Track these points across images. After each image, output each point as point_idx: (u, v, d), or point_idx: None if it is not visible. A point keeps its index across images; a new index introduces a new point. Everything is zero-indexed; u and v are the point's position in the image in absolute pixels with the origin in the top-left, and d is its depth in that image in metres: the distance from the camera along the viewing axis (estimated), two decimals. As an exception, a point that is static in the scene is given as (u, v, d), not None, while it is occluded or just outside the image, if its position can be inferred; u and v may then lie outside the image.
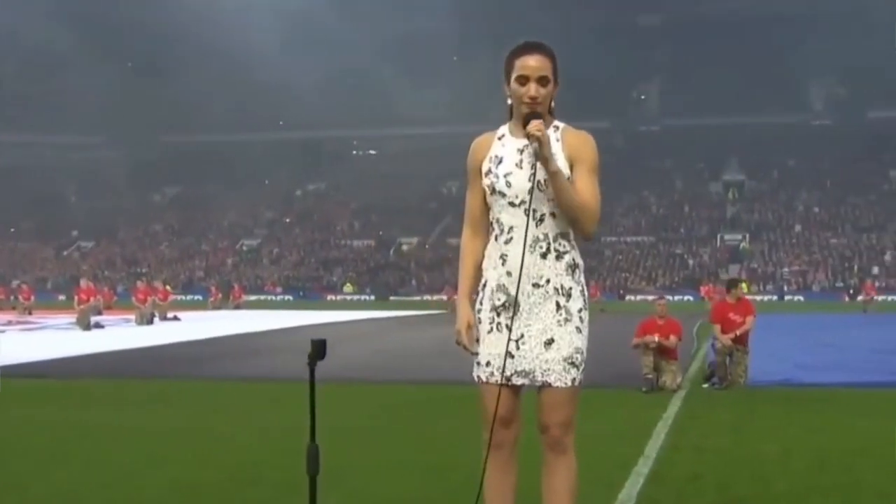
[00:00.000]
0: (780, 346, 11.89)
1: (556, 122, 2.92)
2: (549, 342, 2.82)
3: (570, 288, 2.86)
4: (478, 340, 2.91)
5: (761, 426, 6.66)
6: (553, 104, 2.91)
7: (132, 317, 23.21)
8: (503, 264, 2.88)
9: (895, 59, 57.85)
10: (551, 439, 2.86)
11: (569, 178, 2.83)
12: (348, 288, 52.61)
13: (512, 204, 2.87)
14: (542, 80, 2.84)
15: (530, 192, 2.82)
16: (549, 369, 2.82)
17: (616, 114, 63.95)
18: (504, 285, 2.87)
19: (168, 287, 29.37)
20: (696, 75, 64.98)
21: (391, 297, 49.14)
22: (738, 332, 9.18)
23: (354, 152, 72.68)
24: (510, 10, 66.56)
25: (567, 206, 2.80)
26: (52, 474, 5.06)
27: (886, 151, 58.72)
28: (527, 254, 2.83)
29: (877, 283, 39.22)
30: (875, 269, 47.53)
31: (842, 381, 9.23)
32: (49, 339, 17.29)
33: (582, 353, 2.87)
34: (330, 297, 50.06)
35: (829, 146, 59.94)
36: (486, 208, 2.98)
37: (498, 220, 2.92)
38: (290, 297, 50.36)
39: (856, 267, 48.80)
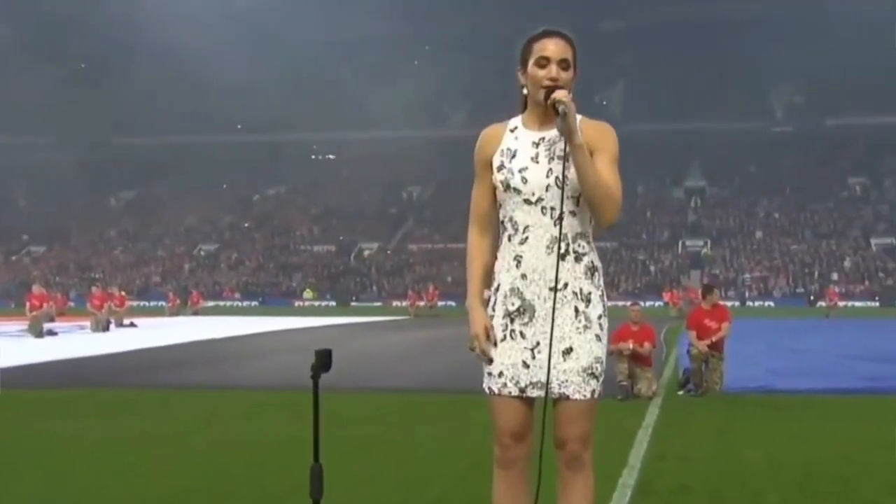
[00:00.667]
0: (751, 352, 11.88)
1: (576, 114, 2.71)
2: (568, 351, 2.64)
3: (590, 293, 2.69)
4: (495, 344, 2.72)
5: (744, 434, 6.59)
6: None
7: (87, 323, 22.63)
8: (517, 266, 2.69)
9: (853, 66, 59.32)
10: (569, 455, 2.68)
11: None
12: (308, 294, 52.24)
13: (528, 201, 2.68)
14: (563, 64, 2.68)
15: (547, 188, 2.64)
16: (567, 380, 2.64)
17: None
18: (518, 289, 2.68)
19: (123, 293, 28.75)
20: (658, 81, 65.56)
21: (352, 303, 48.93)
22: (713, 339, 9.13)
23: (314, 156, 72.11)
24: (470, 14, 66.77)
25: (591, 186, 2.59)
26: (12, 488, 4.79)
27: (845, 158, 59.71)
28: (544, 255, 2.65)
29: (836, 289, 39.76)
30: (834, 275, 48.25)
31: (816, 387, 9.23)
32: None
33: (602, 362, 2.69)
34: (298, 303, 49.58)
35: (789, 153, 60.83)
36: (495, 205, 2.79)
37: (511, 219, 2.72)
38: (251, 303, 49.94)
39: (816, 273, 49.53)
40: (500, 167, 2.73)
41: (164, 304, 38.84)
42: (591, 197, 2.60)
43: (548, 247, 2.65)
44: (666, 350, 13.64)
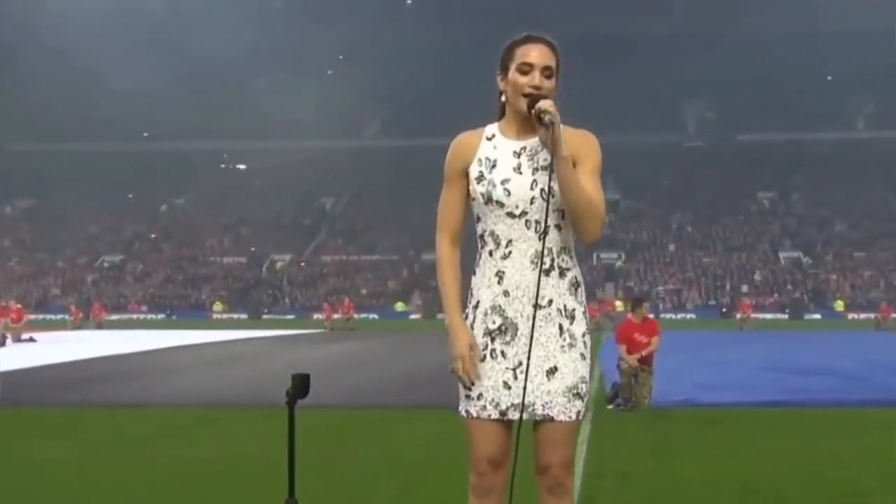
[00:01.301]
0: (674, 366, 11.92)
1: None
2: (552, 370, 2.52)
3: (574, 309, 2.57)
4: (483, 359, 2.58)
5: (679, 450, 6.56)
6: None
7: (-20, 339, 21.49)
8: (499, 283, 2.55)
9: (762, 83, 61.48)
10: (552, 480, 2.54)
11: None
12: (218, 306, 51.14)
13: (511, 214, 2.54)
14: (546, 71, 2.56)
15: (532, 200, 2.52)
16: (550, 401, 2.51)
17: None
18: (500, 306, 2.54)
19: (20, 306, 27.37)
20: (573, 95, 66.40)
21: (264, 316, 48.14)
22: (643, 353, 9.14)
23: (224, 166, 70.62)
24: (386, 24, 66.64)
25: (575, 199, 2.47)
26: None
27: (755, 173, 61.63)
28: (528, 270, 2.53)
29: (749, 302, 40.83)
30: (745, 288, 49.66)
31: (741, 400, 9.30)
32: None
33: (586, 382, 2.58)
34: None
35: (701, 167, 62.40)
36: (465, 215, 2.64)
37: (493, 233, 2.57)
38: (158, 316, 48.64)
39: (727, 286, 50.91)
40: (480, 178, 2.58)
41: (65, 317, 37.50)
42: (575, 210, 2.50)
43: (532, 262, 2.54)
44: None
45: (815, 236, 55.30)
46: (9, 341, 21.93)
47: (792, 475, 5.54)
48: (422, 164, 65.76)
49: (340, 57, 69.98)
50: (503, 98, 2.60)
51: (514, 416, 2.51)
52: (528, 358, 2.48)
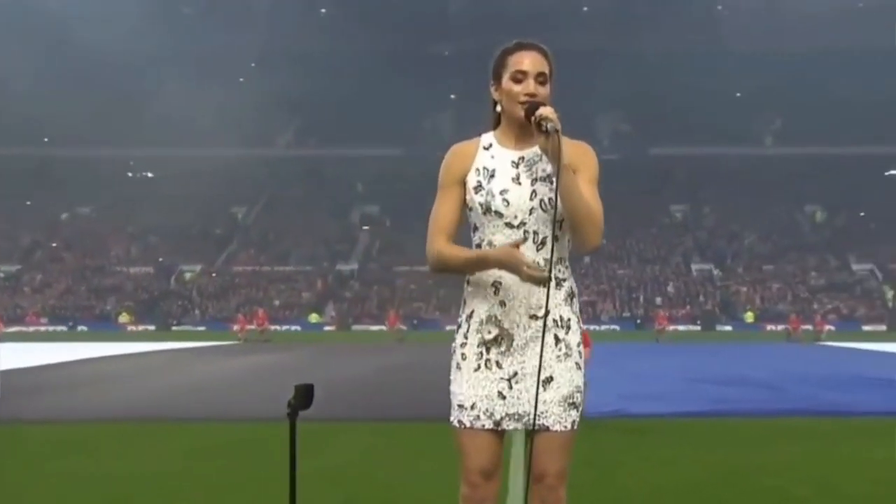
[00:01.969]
0: (599, 377, 11.88)
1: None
2: (548, 380, 2.54)
3: (569, 319, 2.61)
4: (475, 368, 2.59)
5: (615, 461, 6.49)
6: None
7: None
8: (496, 293, 2.57)
9: (674, 98, 63.08)
10: (546, 490, 2.56)
11: None
12: (124, 317, 49.57)
13: (509, 225, 2.56)
14: (540, 78, 2.58)
15: (531, 211, 2.55)
16: (546, 411, 2.54)
17: (409, 142, 64.60)
18: (496, 317, 2.56)
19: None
20: (486, 107, 66.98)
21: (173, 328, 46.96)
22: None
23: (130, 173, 68.58)
24: (298, 33, 65.92)
25: (576, 208, 2.49)
26: None
27: (667, 187, 63.19)
28: (526, 281, 2.53)
29: (664, 313, 41.65)
30: (658, 300, 50.73)
31: (667, 411, 9.33)
32: None
33: (582, 392, 2.62)
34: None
35: (615, 180, 63.60)
36: (459, 224, 2.65)
37: (490, 244, 2.58)
38: (60, 328, 46.91)
39: (641, 298, 51.90)
40: (478, 188, 2.60)
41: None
42: (576, 219, 2.52)
43: None
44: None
45: (725, 249, 57.04)
46: None
47: (728, 485, 5.54)
48: (335, 174, 65.53)
49: (253, 64, 68.95)
50: (498, 108, 2.63)
51: (508, 426, 2.55)
52: (539, 368, 2.48)
